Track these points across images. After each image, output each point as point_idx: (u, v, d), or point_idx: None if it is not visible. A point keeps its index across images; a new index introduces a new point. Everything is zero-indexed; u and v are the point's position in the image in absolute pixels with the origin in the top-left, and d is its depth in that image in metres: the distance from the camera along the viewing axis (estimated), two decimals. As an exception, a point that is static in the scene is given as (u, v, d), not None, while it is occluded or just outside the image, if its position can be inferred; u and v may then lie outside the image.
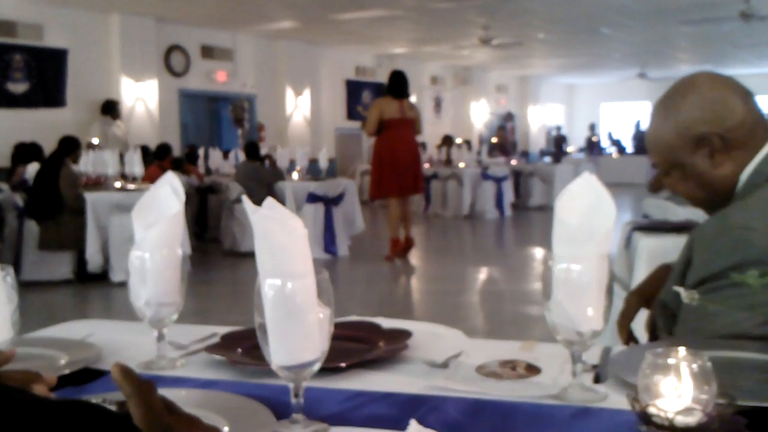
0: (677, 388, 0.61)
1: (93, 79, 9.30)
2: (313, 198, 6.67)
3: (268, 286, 0.73)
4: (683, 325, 1.14)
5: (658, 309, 1.22)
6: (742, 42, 12.78)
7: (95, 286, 5.56)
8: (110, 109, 9.09)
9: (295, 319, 0.72)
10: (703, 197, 1.21)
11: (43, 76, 8.80)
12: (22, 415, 0.45)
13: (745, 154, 1.15)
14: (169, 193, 1.00)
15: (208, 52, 10.97)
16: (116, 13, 9.40)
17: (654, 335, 1.24)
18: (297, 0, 9.10)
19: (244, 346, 1.02)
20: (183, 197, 1.00)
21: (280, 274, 0.72)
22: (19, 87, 8.63)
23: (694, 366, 0.62)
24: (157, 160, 7.63)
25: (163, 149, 7.87)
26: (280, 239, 0.72)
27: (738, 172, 1.16)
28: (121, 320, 1.31)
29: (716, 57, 15.02)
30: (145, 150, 7.72)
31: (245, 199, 0.76)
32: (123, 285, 5.21)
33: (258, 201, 0.73)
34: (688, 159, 1.17)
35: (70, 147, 6.05)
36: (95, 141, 8.23)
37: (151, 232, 0.98)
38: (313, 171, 7.82)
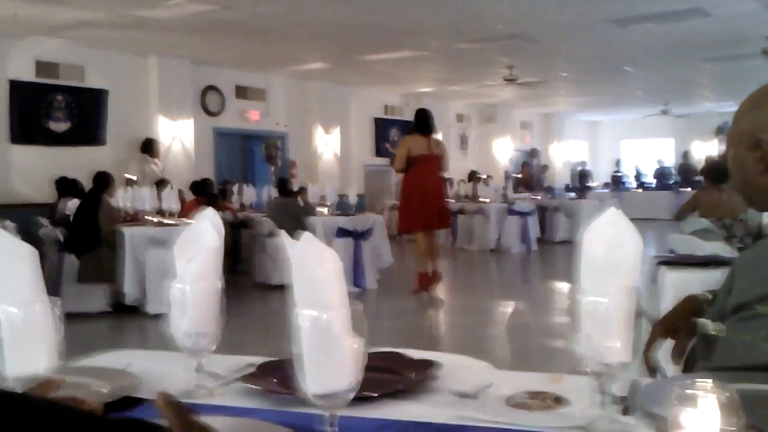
0: (705, 420, 0.60)
1: (132, 119, 9.58)
2: (342, 232, 6.76)
3: (304, 316, 0.74)
4: (717, 352, 1.15)
5: (698, 337, 1.22)
6: (764, 79, 12.40)
7: (131, 318, 5.66)
8: (149, 147, 9.34)
9: (330, 348, 0.74)
10: (741, 186, 1.28)
11: (84, 115, 9.06)
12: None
13: None
14: (209, 228, 1.02)
15: (242, 92, 11.26)
16: (154, 55, 9.73)
17: (690, 363, 1.25)
18: (327, 42, 9.34)
19: (279, 375, 1.03)
20: (222, 232, 1.02)
21: (316, 306, 0.73)
22: (61, 126, 8.89)
23: (722, 398, 0.61)
24: (196, 195, 7.79)
25: (203, 185, 8.04)
26: (317, 272, 0.74)
27: None
28: (157, 351, 1.33)
29: (738, 94, 14.69)
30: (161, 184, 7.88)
31: (283, 233, 0.77)
32: (158, 317, 5.27)
33: (290, 235, 0.75)
34: (744, 152, 1.23)
35: (105, 182, 6.24)
36: (133, 178, 8.48)
37: (191, 265, 1.00)
38: (342, 206, 7.93)
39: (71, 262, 5.84)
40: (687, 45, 9.76)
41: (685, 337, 1.26)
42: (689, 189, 14.34)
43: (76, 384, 1.00)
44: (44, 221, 6.74)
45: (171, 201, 6.65)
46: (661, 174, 18.13)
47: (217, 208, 7.67)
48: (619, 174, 18.54)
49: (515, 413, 0.90)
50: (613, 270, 0.83)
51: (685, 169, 17.36)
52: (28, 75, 8.66)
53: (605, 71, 11.98)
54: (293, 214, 6.98)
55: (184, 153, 10.25)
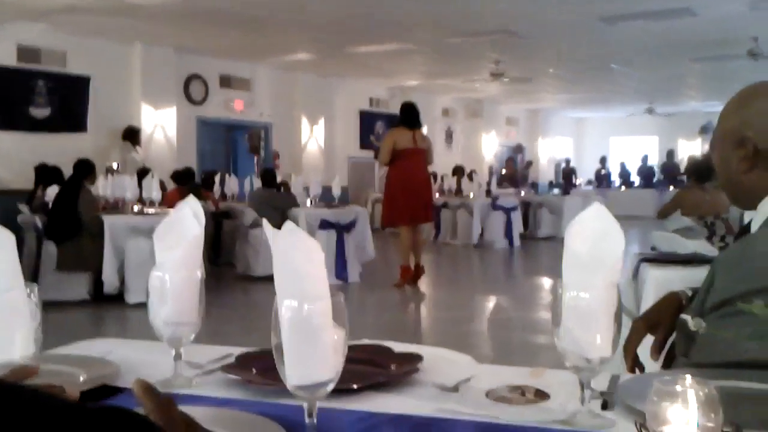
0: (684, 415, 0.61)
1: (114, 106, 9.47)
2: (325, 224, 6.74)
3: (286, 307, 0.73)
4: (698, 349, 1.15)
5: (678, 331, 1.24)
6: (749, 79, 12.56)
7: (111, 307, 5.63)
8: (131, 135, 9.25)
9: (311, 339, 0.73)
10: (726, 184, 1.29)
11: (66, 101, 8.95)
12: (66, 421, 0.46)
13: None
14: (189, 217, 1.02)
15: (226, 81, 11.17)
16: (138, 42, 9.61)
17: (671, 357, 1.26)
18: (314, 33, 9.29)
19: (259, 366, 1.03)
20: (203, 221, 1.02)
21: (298, 296, 0.73)
22: (41, 112, 8.77)
23: (701, 394, 0.61)
24: (179, 184, 7.74)
25: (185, 174, 7.99)
26: (299, 262, 0.73)
27: (757, 189, 1.20)
28: (137, 340, 1.32)
29: (724, 94, 14.89)
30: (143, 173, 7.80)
31: (265, 222, 0.77)
32: (138, 306, 5.26)
33: (273, 226, 0.75)
34: (729, 151, 1.24)
35: (86, 170, 6.16)
36: (114, 166, 8.39)
37: (171, 253, 0.99)
38: (326, 198, 7.92)
39: (50, 249, 5.77)
40: (675, 44, 9.84)
41: (666, 333, 1.27)
42: (672, 188, 14.50)
43: (53, 371, 0.98)
44: (23, 208, 6.66)
45: (152, 190, 6.60)
46: (645, 172, 18.30)
47: (199, 197, 7.66)
48: (604, 171, 18.66)
49: (496, 407, 0.89)
50: (596, 265, 0.83)
51: (669, 168, 17.52)
52: (9, 60, 8.53)
53: (593, 69, 12.05)
54: (277, 205, 6.95)
55: (167, 142, 10.16)
